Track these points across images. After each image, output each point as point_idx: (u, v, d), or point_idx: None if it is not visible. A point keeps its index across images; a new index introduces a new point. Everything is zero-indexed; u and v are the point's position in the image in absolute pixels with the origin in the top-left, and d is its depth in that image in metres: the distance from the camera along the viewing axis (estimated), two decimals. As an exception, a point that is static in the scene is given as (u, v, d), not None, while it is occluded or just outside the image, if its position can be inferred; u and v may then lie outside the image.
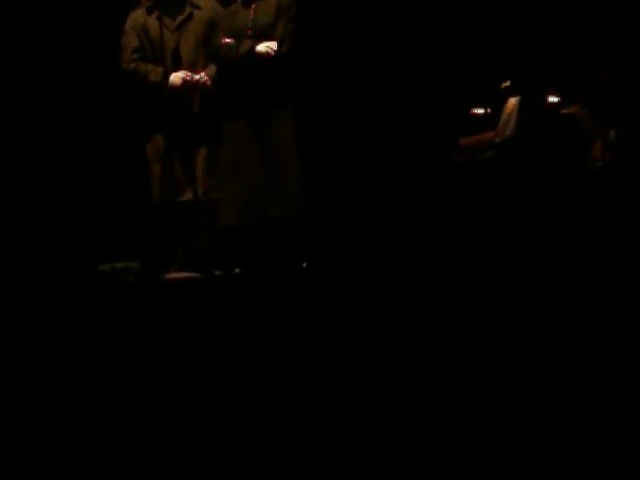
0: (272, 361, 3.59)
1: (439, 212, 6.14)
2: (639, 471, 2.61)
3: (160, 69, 5.59)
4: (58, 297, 4.69)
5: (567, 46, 6.67)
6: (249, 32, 5.54)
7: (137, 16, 5.71)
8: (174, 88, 5.58)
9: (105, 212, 6.33)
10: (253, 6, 5.59)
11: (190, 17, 5.69)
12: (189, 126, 5.63)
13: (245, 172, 5.52)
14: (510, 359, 3.49)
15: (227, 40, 5.54)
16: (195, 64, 5.67)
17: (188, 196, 5.66)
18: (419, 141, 6.34)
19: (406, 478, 2.68)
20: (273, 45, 5.46)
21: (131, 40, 5.68)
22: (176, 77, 5.59)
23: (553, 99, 6.85)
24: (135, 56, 5.66)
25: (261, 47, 5.47)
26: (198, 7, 5.70)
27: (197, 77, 5.59)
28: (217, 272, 5.54)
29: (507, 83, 7.02)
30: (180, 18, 5.67)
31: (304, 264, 5.55)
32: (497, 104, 6.99)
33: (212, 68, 5.67)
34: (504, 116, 6.80)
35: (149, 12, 5.68)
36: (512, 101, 6.76)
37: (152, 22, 5.64)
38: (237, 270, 5.52)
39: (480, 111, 7.17)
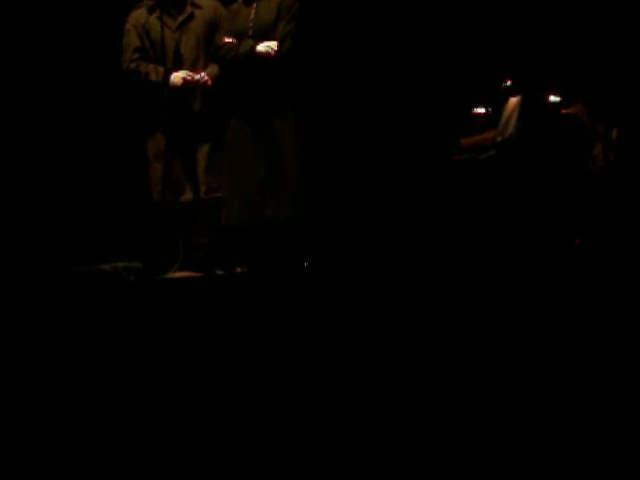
0: (273, 360, 3.59)
1: (440, 211, 6.14)
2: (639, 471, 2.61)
3: (161, 69, 5.59)
4: (59, 296, 4.70)
5: (567, 46, 6.67)
6: (250, 32, 5.55)
7: (138, 15, 5.70)
8: (175, 87, 5.58)
9: (106, 211, 6.33)
10: (254, 5, 5.59)
11: (191, 17, 5.69)
12: (190, 125, 5.63)
13: (246, 172, 5.53)
14: (510, 357, 3.49)
15: (228, 40, 5.54)
16: (196, 64, 5.67)
17: (189, 195, 5.67)
18: (420, 141, 6.34)
19: (406, 478, 2.68)
20: (273, 45, 5.46)
21: (132, 40, 5.68)
22: (177, 77, 5.59)
23: (554, 99, 6.85)
24: (136, 56, 5.66)
25: (261, 47, 5.47)
26: (199, 7, 5.71)
27: (198, 77, 5.59)
28: (218, 271, 5.54)
29: (508, 83, 7.01)
30: (181, 18, 5.68)
31: (305, 263, 5.56)
32: (498, 104, 6.99)
33: (213, 68, 5.67)
34: (505, 116, 6.79)
35: (150, 12, 5.68)
36: (513, 101, 6.75)
37: (153, 22, 5.64)
38: (238, 269, 5.52)
39: (481, 111, 7.16)
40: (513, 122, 6.67)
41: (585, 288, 4.40)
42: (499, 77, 7.04)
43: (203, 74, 5.61)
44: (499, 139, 6.72)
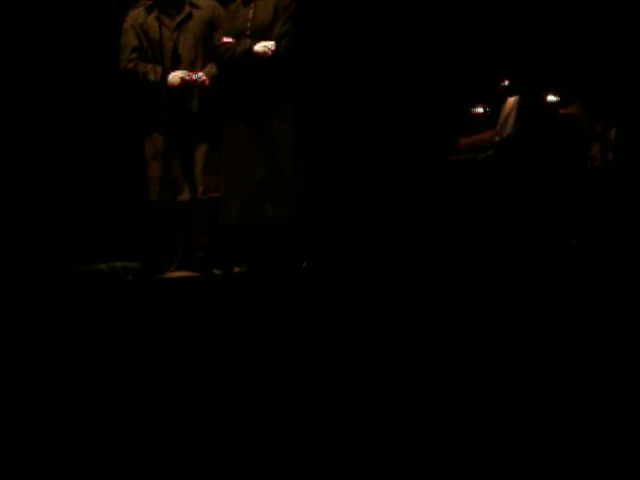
0: (271, 360, 3.59)
1: (439, 211, 6.14)
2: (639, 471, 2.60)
3: (159, 68, 5.59)
4: (57, 296, 4.69)
5: (565, 46, 6.67)
6: (248, 32, 5.55)
7: (136, 15, 5.70)
8: (173, 87, 5.57)
9: (105, 211, 6.32)
10: (252, 5, 5.59)
11: (189, 17, 5.68)
12: (188, 125, 5.63)
13: (245, 172, 5.52)
14: (509, 356, 3.49)
15: (227, 40, 5.54)
16: (194, 63, 5.67)
17: (186, 195, 5.66)
18: (419, 140, 6.34)
19: (406, 478, 2.68)
20: (270, 44, 5.46)
21: (130, 39, 5.67)
22: (175, 76, 5.58)
23: (552, 99, 6.85)
24: (134, 55, 5.66)
25: (258, 47, 5.47)
26: (197, 7, 5.70)
27: (195, 76, 5.59)
28: (216, 271, 5.54)
29: (506, 83, 7.02)
30: (179, 18, 5.67)
31: (304, 263, 5.55)
32: (496, 104, 6.99)
33: (211, 67, 5.67)
34: (503, 115, 6.80)
35: (148, 11, 5.67)
36: (511, 100, 6.76)
37: (151, 21, 5.63)
38: (236, 269, 5.52)
39: (479, 111, 7.17)
40: (511, 122, 6.68)
41: (583, 288, 4.41)
42: (497, 77, 7.04)
43: (201, 74, 5.61)
44: (497, 139, 6.72)
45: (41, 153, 6.26)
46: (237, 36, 5.55)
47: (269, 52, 5.45)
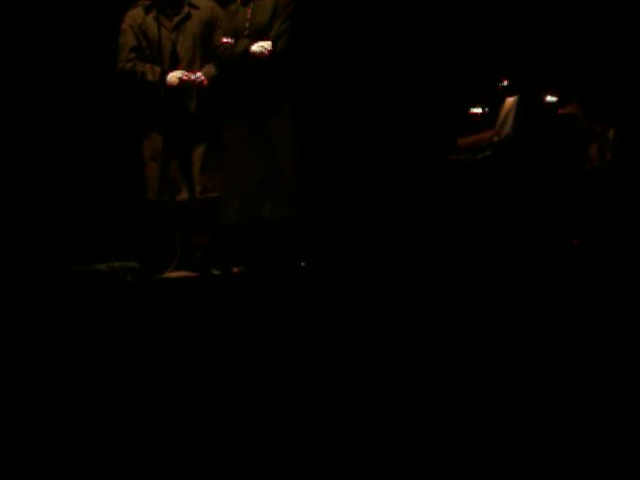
0: (270, 359, 3.59)
1: (438, 211, 6.14)
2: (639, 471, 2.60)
3: (158, 68, 5.58)
4: (56, 296, 4.69)
5: (564, 46, 6.67)
6: (246, 32, 5.55)
7: (135, 15, 5.69)
8: (171, 87, 5.57)
9: (103, 211, 6.32)
10: (251, 5, 5.59)
11: (188, 17, 5.68)
12: (186, 125, 5.63)
13: (243, 172, 5.52)
14: (509, 356, 3.49)
15: (226, 40, 5.54)
16: (192, 64, 5.66)
17: (184, 195, 5.66)
18: (417, 141, 6.34)
19: (406, 478, 2.68)
20: (267, 45, 5.46)
21: (128, 39, 5.67)
22: (173, 76, 5.58)
23: (551, 99, 6.85)
24: (132, 55, 5.65)
25: (255, 47, 5.47)
26: (196, 7, 5.70)
27: (194, 77, 5.58)
28: (215, 271, 5.54)
29: (505, 83, 7.02)
30: (178, 18, 5.67)
31: (303, 263, 5.55)
32: (495, 104, 6.99)
33: (209, 68, 5.67)
34: (502, 116, 6.80)
35: (147, 11, 5.67)
36: (510, 100, 6.76)
37: (150, 21, 5.63)
38: (235, 269, 5.52)
39: (478, 111, 7.17)
40: (510, 122, 6.68)
41: (583, 288, 4.40)
42: (496, 77, 7.04)
43: (199, 74, 5.60)
44: (496, 139, 6.72)
45: (40, 153, 6.26)
46: (236, 36, 5.55)
47: (266, 52, 5.45)
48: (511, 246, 5.80)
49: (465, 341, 3.66)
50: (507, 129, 6.66)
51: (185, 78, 5.57)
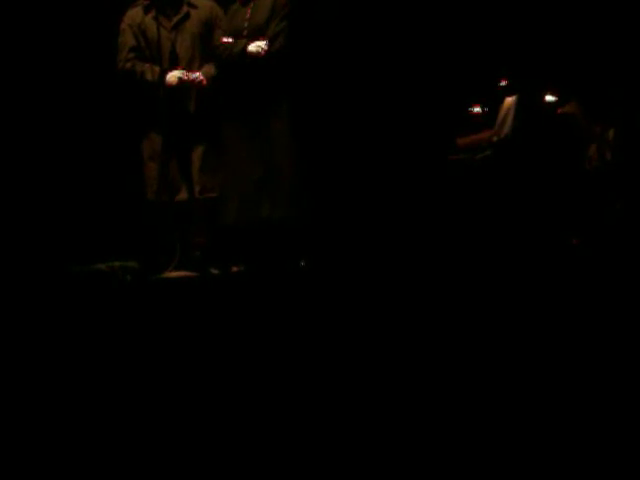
0: (269, 359, 3.58)
1: (437, 211, 6.14)
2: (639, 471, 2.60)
3: (157, 68, 5.58)
4: (56, 296, 4.69)
5: (563, 46, 6.67)
6: (245, 31, 5.55)
7: (134, 15, 5.69)
8: (170, 87, 5.57)
9: (103, 211, 6.32)
10: (251, 5, 5.59)
11: (187, 16, 5.68)
12: (185, 125, 5.62)
13: (242, 172, 5.52)
14: (508, 356, 3.49)
15: (226, 40, 5.54)
16: (191, 63, 5.66)
17: (184, 195, 5.66)
18: (417, 140, 6.34)
19: (406, 478, 2.68)
20: (263, 44, 5.45)
21: (128, 39, 5.67)
22: (172, 76, 5.58)
23: (550, 98, 6.85)
24: (131, 55, 5.65)
25: (252, 47, 5.47)
26: (195, 6, 5.70)
27: (193, 76, 5.58)
28: (214, 271, 5.54)
29: (504, 82, 7.02)
30: (177, 18, 5.67)
31: (302, 263, 5.55)
32: (494, 103, 6.99)
33: (208, 68, 5.67)
34: (501, 115, 6.80)
35: (146, 11, 5.67)
36: (509, 100, 6.76)
37: (149, 21, 5.63)
38: (234, 269, 5.51)
39: (477, 110, 7.17)
40: (509, 122, 6.68)
41: (582, 287, 4.40)
42: (495, 77, 7.04)
43: (198, 74, 5.60)
44: (495, 139, 6.72)
45: (39, 153, 6.26)
46: (235, 36, 5.55)
47: (262, 52, 5.44)
48: (511, 246, 5.80)
49: (465, 341, 3.66)
50: (506, 129, 6.66)
51: (184, 78, 5.57)
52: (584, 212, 6.28)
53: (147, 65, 5.62)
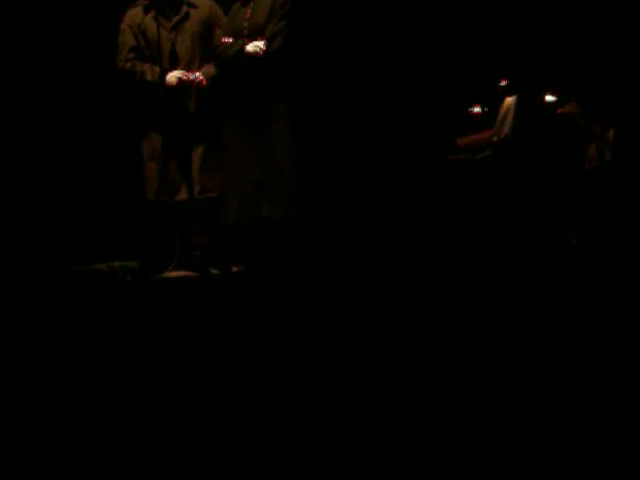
0: (269, 359, 3.58)
1: (437, 211, 6.14)
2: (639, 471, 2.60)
3: (157, 68, 5.58)
4: (56, 296, 4.69)
5: (564, 46, 6.67)
6: (245, 31, 5.54)
7: (133, 15, 5.69)
8: (170, 87, 5.56)
9: (103, 211, 6.32)
10: (251, 5, 5.59)
11: (187, 16, 5.68)
12: (185, 125, 5.62)
13: (242, 172, 5.52)
14: (508, 356, 3.49)
15: (226, 40, 5.54)
16: (191, 63, 5.66)
17: (183, 195, 5.66)
18: (417, 140, 6.34)
19: (406, 478, 2.68)
20: (261, 44, 5.45)
21: (127, 39, 5.66)
22: (172, 76, 5.58)
23: (550, 98, 6.85)
24: (131, 55, 5.65)
25: (250, 47, 5.46)
26: (194, 6, 5.70)
27: (193, 76, 5.58)
28: (214, 271, 5.54)
29: (504, 82, 7.02)
30: (177, 18, 5.67)
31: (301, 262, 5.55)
32: (494, 103, 6.99)
33: (208, 68, 5.67)
34: (501, 115, 6.80)
35: (146, 11, 5.66)
36: (509, 100, 6.76)
37: (149, 21, 5.63)
38: (234, 269, 5.51)
39: (477, 110, 7.17)
40: (509, 122, 6.68)
41: (582, 287, 4.41)
42: (495, 77, 7.04)
43: (198, 74, 5.60)
44: (495, 139, 6.72)
45: (39, 153, 6.26)
46: (236, 36, 5.55)
47: (260, 52, 5.44)
48: (511, 246, 5.80)
49: (465, 341, 3.66)
50: (506, 129, 6.66)
51: (184, 78, 5.57)
52: (584, 212, 6.28)
53: (147, 65, 5.62)
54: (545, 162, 6.44)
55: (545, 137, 6.58)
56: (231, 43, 5.52)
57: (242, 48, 5.47)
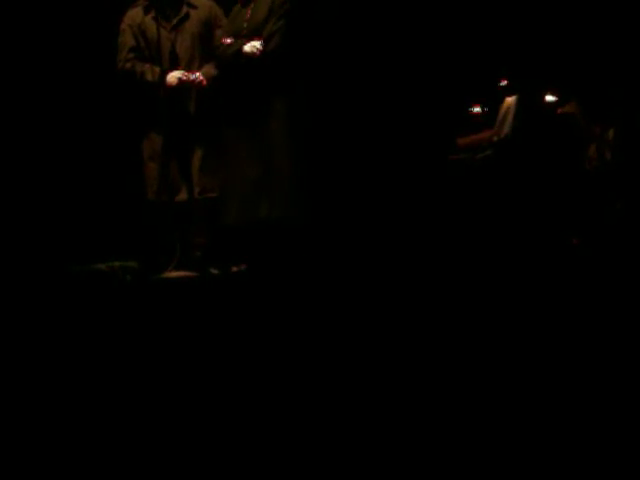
0: (269, 359, 3.59)
1: (438, 211, 6.14)
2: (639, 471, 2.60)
3: (157, 69, 5.59)
4: (56, 296, 4.69)
5: (564, 46, 6.67)
6: (244, 31, 5.55)
7: (134, 15, 5.69)
8: (170, 88, 5.56)
9: (103, 211, 6.32)
10: (252, 6, 5.60)
11: (187, 17, 5.68)
12: (185, 126, 5.62)
13: (242, 172, 5.52)
14: (508, 356, 3.49)
15: (227, 40, 5.54)
16: (191, 64, 5.66)
17: (183, 196, 5.66)
18: (417, 140, 6.34)
19: (406, 478, 2.68)
20: (258, 44, 5.45)
21: (127, 39, 5.67)
22: (172, 77, 5.58)
23: (550, 98, 6.85)
24: (131, 55, 5.65)
25: (247, 47, 5.46)
26: (194, 6, 5.70)
27: (193, 77, 5.58)
28: (214, 271, 5.54)
29: (504, 82, 7.02)
30: (176, 18, 5.67)
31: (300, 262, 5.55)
32: (494, 103, 6.99)
33: (208, 68, 5.66)
34: (501, 115, 6.80)
35: (146, 11, 5.67)
36: (509, 100, 6.76)
37: (149, 22, 5.63)
38: (234, 269, 5.51)
39: (478, 110, 7.17)
40: (509, 122, 6.68)
41: (583, 287, 4.41)
42: (495, 77, 7.04)
43: (198, 74, 5.60)
44: (495, 139, 6.72)
45: (40, 153, 6.26)
46: (236, 37, 5.55)
47: (257, 52, 5.44)
48: (511, 246, 5.80)
49: (465, 341, 3.66)
50: (506, 129, 6.66)
51: (184, 78, 5.57)
52: (584, 212, 6.28)
53: (147, 65, 5.62)
54: (545, 162, 6.44)
55: (545, 137, 6.58)
56: (230, 43, 5.52)
57: (240, 48, 5.47)
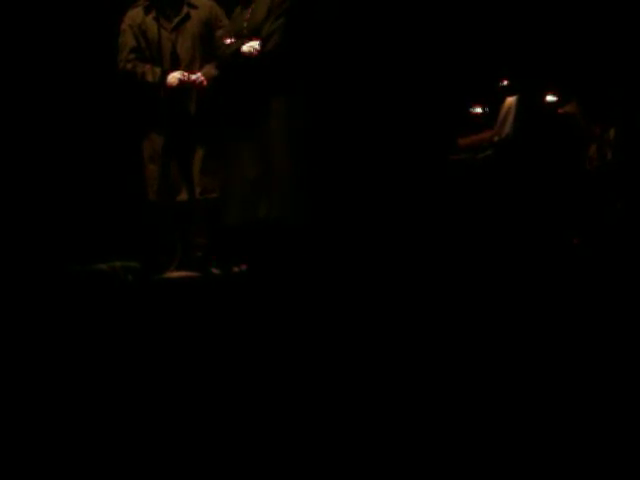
0: (269, 359, 3.59)
1: (438, 211, 6.14)
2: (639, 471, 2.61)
3: (158, 69, 5.59)
4: (57, 296, 4.69)
5: (565, 46, 6.67)
6: (244, 31, 5.55)
7: (134, 15, 5.69)
8: (171, 88, 5.57)
9: (104, 211, 6.32)
10: (252, 6, 5.60)
11: (187, 17, 5.68)
12: (186, 126, 5.63)
13: (242, 172, 5.52)
14: (508, 356, 3.50)
15: (228, 40, 5.54)
16: (192, 64, 5.66)
17: (184, 196, 5.66)
18: (418, 140, 6.34)
19: (406, 478, 2.68)
20: (256, 44, 5.45)
21: (128, 39, 5.67)
22: (173, 77, 5.58)
23: (551, 98, 6.85)
24: (132, 56, 5.65)
25: (245, 47, 5.46)
26: (195, 7, 5.70)
27: (194, 77, 5.59)
28: (215, 271, 5.54)
29: (505, 82, 7.02)
30: (177, 18, 5.67)
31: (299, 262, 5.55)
32: (495, 103, 6.99)
33: (209, 68, 5.67)
34: (502, 115, 6.80)
35: (146, 12, 5.67)
36: (510, 100, 6.76)
37: (149, 22, 5.63)
38: (235, 269, 5.52)
39: (478, 110, 7.17)
40: (510, 122, 6.68)
41: (583, 287, 4.41)
42: (496, 77, 7.04)
43: (198, 74, 5.61)
44: (496, 139, 6.73)
45: (40, 153, 6.26)
46: (237, 37, 5.56)
47: (254, 52, 5.44)
48: (511, 245, 5.81)
49: (465, 341, 3.66)
50: (507, 129, 6.66)
51: (185, 79, 5.57)
52: (584, 212, 6.28)
53: (148, 66, 5.62)
54: (546, 162, 6.44)
55: (546, 137, 6.58)
56: (229, 44, 5.52)
57: (238, 48, 5.48)
